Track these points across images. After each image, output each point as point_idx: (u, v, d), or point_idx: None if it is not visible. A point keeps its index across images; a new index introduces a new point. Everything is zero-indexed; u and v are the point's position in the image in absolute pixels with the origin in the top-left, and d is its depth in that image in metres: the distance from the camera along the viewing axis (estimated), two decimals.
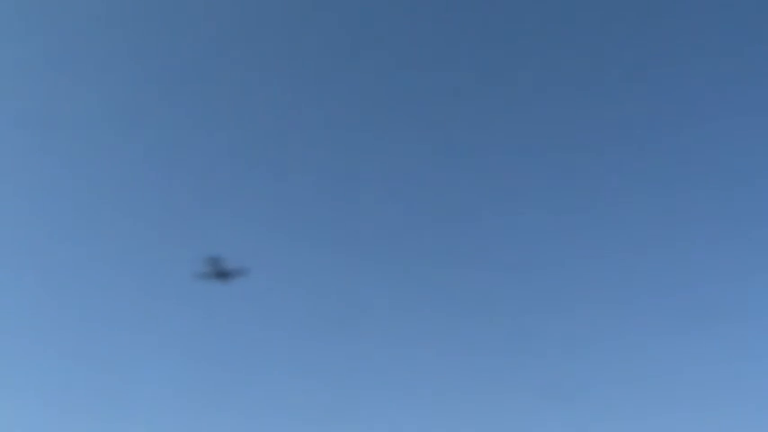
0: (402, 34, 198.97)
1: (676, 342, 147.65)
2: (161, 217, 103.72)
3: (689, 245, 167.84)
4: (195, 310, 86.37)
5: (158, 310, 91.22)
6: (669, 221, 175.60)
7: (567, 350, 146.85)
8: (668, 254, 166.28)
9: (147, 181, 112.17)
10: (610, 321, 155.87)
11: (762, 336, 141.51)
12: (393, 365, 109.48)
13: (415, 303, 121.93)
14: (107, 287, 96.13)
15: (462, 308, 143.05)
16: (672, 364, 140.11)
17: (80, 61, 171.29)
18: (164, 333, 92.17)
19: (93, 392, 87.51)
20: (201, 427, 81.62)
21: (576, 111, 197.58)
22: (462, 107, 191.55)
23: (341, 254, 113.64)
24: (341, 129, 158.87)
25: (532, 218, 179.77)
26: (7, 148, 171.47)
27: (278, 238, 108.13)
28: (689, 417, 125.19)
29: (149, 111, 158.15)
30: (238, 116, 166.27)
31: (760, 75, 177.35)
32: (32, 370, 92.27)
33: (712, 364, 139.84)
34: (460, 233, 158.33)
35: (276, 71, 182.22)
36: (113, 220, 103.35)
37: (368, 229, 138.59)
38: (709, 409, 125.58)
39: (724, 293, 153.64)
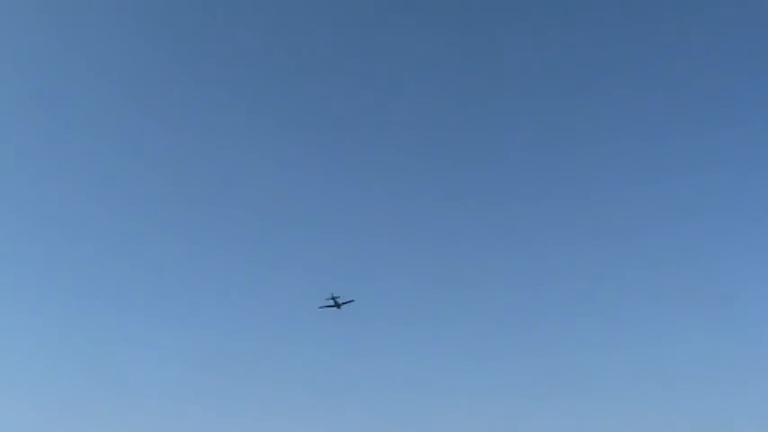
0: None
1: (676, 341, 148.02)
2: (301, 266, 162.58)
3: (689, 249, 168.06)
4: (321, 328, 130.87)
5: (297, 330, 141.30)
6: (669, 227, 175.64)
7: (569, 348, 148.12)
8: (669, 258, 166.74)
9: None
10: (610, 321, 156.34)
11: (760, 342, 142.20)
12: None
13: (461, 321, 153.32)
14: (264, 315, 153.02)
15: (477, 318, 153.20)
16: (671, 361, 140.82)
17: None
18: (299, 344, 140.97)
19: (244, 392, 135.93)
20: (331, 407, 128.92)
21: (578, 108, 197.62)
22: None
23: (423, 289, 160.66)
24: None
25: (535, 223, 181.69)
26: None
27: (377, 277, 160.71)
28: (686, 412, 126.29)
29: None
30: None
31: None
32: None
33: (711, 360, 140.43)
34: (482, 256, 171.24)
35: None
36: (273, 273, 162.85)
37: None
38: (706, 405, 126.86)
39: (724, 296, 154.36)
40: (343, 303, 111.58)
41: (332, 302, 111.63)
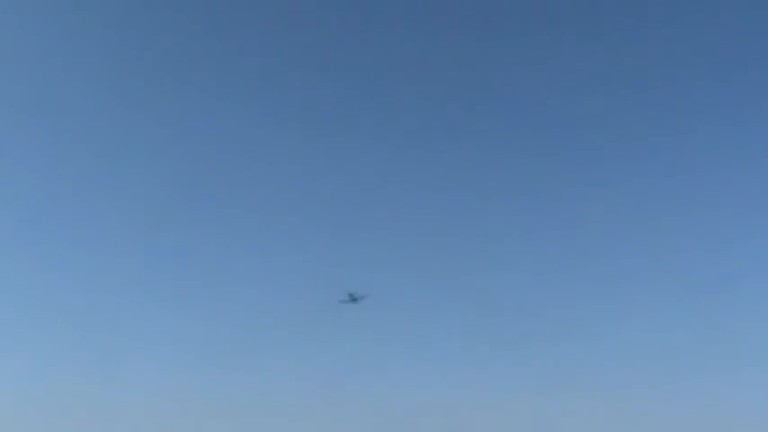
0: None
1: (669, 336, 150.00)
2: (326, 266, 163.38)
3: (688, 249, 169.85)
4: (341, 320, 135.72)
5: (319, 323, 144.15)
6: (667, 225, 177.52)
7: (564, 345, 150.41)
8: (666, 257, 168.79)
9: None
10: (605, 318, 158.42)
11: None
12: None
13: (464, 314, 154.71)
14: (289, 311, 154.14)
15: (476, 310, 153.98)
16: (664, 357, 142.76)
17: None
18: (321, 336, 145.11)
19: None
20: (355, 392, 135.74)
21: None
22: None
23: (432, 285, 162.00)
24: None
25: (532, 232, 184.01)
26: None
27: (389, 274, 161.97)
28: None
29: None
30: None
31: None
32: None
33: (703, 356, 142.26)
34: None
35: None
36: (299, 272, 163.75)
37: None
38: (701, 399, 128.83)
39: (721, 294, 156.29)
40: (359, 298, 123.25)
41: (349, 298, 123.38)
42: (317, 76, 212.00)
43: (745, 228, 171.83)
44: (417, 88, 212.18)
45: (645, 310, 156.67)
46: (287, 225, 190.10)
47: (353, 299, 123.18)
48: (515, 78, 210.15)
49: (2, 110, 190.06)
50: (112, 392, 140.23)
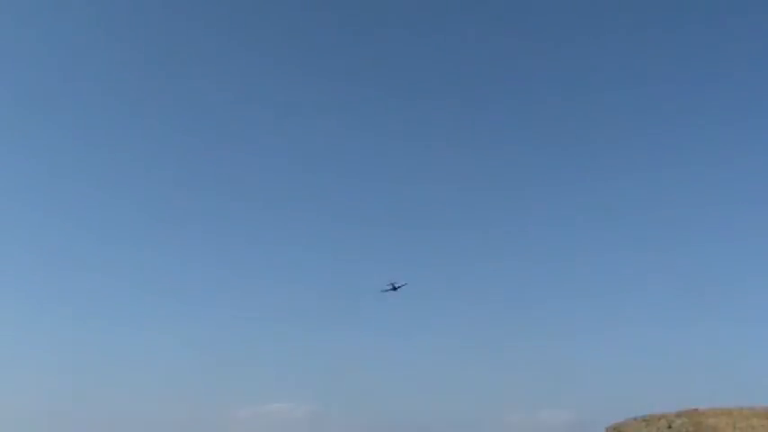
0: None
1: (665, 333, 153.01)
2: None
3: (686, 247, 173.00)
4: (382, 306, 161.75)
5: (363, 309, 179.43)
6: (663, 221, 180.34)
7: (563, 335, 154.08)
8: (663, 255, 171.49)
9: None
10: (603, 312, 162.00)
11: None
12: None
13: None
14: (336, 298, 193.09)
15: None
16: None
17: None
18: (365, 321, 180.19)
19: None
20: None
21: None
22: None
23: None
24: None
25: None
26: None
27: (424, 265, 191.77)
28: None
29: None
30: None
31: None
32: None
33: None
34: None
35: None
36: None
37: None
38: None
39: (720, 295, 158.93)
40: (399, 287, 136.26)
41: (390, 287, 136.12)
42: (328, 73, 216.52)
43: (745, 225, 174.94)
44: (419, 87, 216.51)
45: (645, 306, 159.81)
46: (317, 224, 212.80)
47: (394, 287, 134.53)
48: (516, 77, 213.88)
49: (2, 109, 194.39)
50: (116, 390, 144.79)
